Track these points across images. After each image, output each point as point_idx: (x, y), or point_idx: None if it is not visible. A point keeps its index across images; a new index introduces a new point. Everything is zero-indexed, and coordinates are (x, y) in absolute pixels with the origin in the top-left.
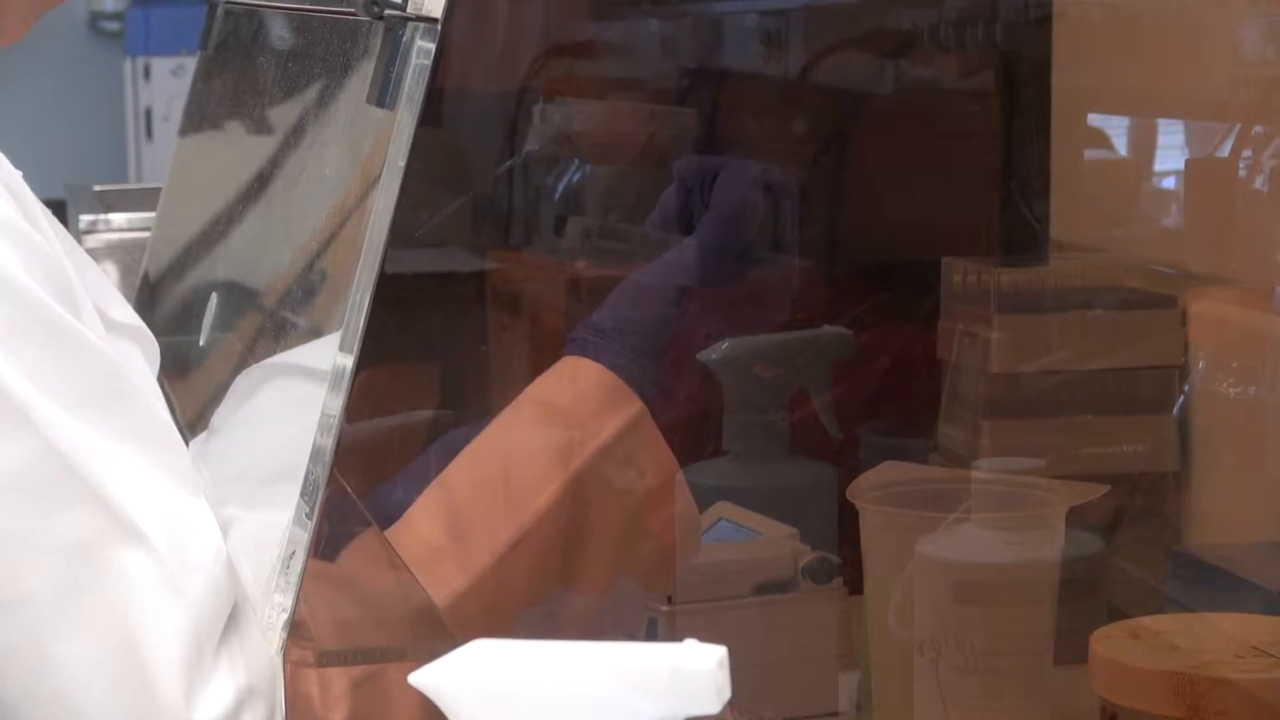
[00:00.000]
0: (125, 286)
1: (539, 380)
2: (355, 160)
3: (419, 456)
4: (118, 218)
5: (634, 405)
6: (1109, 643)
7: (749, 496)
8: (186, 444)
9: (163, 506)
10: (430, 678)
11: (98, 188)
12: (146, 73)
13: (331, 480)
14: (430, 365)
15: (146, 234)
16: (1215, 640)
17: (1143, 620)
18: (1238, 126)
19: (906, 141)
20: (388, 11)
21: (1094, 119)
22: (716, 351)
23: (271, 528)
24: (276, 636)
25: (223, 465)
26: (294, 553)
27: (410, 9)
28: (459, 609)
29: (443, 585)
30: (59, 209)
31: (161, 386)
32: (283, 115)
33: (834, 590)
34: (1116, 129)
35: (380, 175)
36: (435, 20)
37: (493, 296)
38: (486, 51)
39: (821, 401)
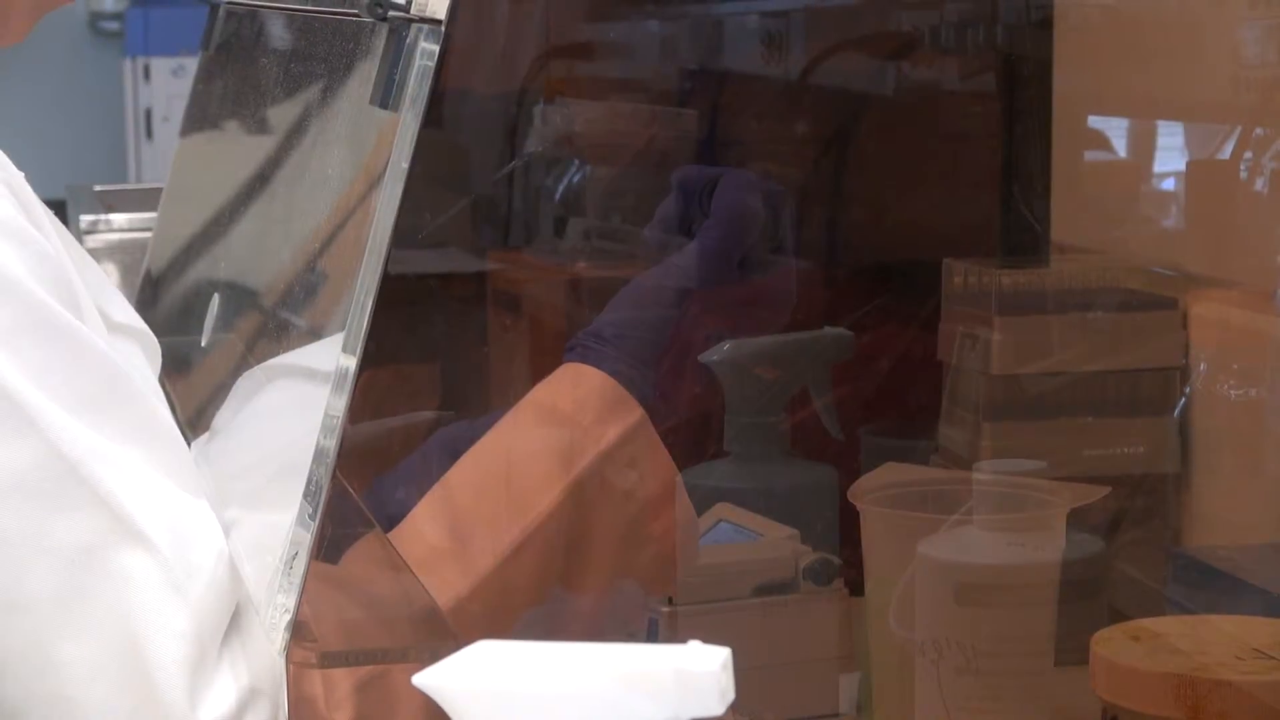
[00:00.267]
0: (126, 287)
1: (540, 385)
2: (357, 161)
3: (419, 452)
4: (118, 218)
5: (635, 412)
6: (1110, 644)
7: (750, 498)
8: (188, 444)
9: (165, 508)
10: (434, 679)
11: (98, 188)
12: (146, 73)
13: (334, 481)
14: (431, 366)
15: (147, 234)
16: (1216, 642)
17: (1143, 622)
18: (1238, 129)
19: (907, 143)
20: (391, 13)
21: (1095, 121)
22: (717, 353)
23: (274, 529)
24: (279, 637)
25: (225, 466)
26: (297, 553)
27: (414, 10)
28: (462, 612)
29: (446, 588)
30: (59, 209)
31: (163, 387)
32: (284, 116)
33: (835, 592)
34: (1117, 131)
35: (383, 176)
36: (439, 22)
37: (493, 297)
38: (487, 52)
39: (822, 403)
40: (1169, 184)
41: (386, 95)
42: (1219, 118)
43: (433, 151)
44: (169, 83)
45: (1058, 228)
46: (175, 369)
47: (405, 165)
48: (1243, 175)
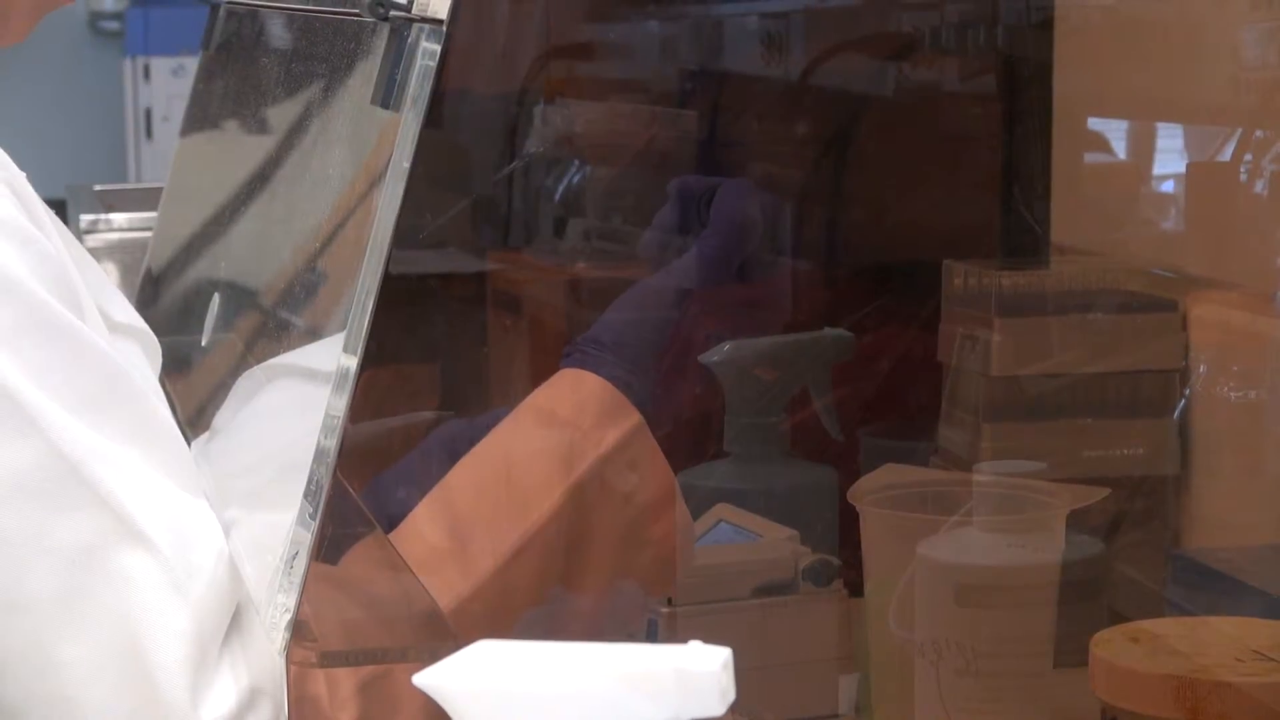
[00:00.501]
0: (126, 286)
1: (539, 390)
2: (358, 161)
3: (417, 450)
4: (118, 217)
5: (633, 417)
6: (1109, 646)
7: (749, 498)
8: (188, 444)
9: (166, 508)
10: (434, 678)
11: (98, 188)
12: (146, 73)
13: (334, 481)
14: (431, 366)
15: (147, 234)
16: (1215, 644)
17: (1143, 623)
18: (1238, 131)
19: (908, 144)
20: (393, 13)
21: (1095, 122)
22: (718, 353)
23: (274, 528)
24: (280, 637)
25: (225, 466)
26: (297, 553)
27: (416, 10)
28: (462, 613)
29: (446, 589)
30: (59, 209)
31: (163, 386)
32: (285, 116)
33: (834, 592)
34: (1117, 132)
35: (384, 176)
36: (441, 22)
37: (493, 297)
38: (488, 52)
39: (822, 404)
40: (1169, 186)
41: (388, 95)
42: (1219, 120)
43: (433, 152)
44: (169, 82)
45: (1058, 229)
46: (175, 369)
47: (406, 165)
48: (1243, 177)
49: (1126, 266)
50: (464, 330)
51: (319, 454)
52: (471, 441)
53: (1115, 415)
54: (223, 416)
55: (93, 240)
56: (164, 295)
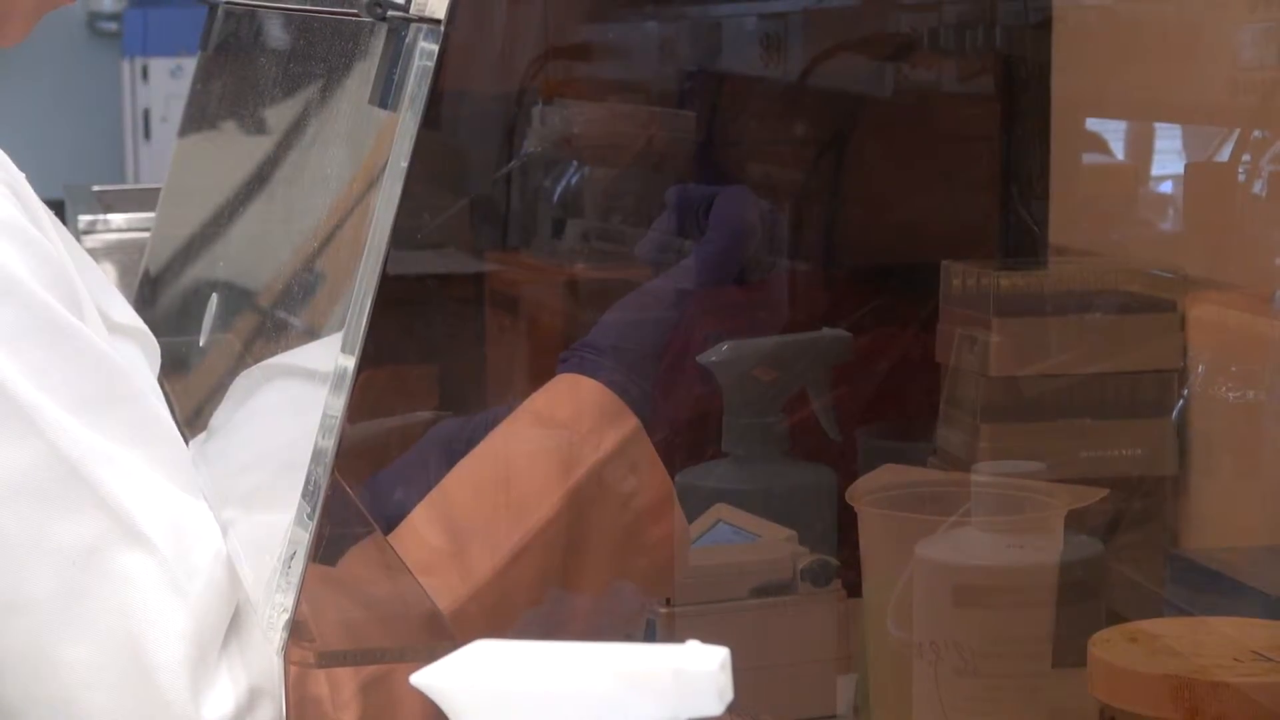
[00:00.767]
0: (124, 287)
1: (537, 394)
2: (356, 161)
3: (414, 449)
4: (116, 218)
5: (630, 421)
6: (1107, 646)
7: (748, 499)
8: (186, 444)
9: (165, 509)
10: (432, 678)
11: (96, 188)
12: (144, 73)
13: (332, 481)
14: (429, 366)
15: (145, 234)
16: (1214, 644)
17: (1141, 624)
18: (1237, 131)
19: (906, 145)
20: (391, 13)
21: (1093, 123)
22: (716, 354)
23: (272, 529)
24: (277, 636)
25: (222, 466)
26: (295, 553)
27: (413, 10)
28: (461, 616)
29: (445, 592)
30: (58, 209)
31: (161, 387)
32: (283, 116)
33: (832, 593)
34: (1115, 133)
35: (381, 176)
36: (438, 21)
37: (491, 298)
38: (486, 53)
39: (821, 404)
40: (1167, 186)
41: (385, 95)
42: (1217, 120)
43: (432, 152)
44: (167, 83)
45: (1056, 230)
46: (174, 369)
47: (404, 165)
48: (1241, 178)
49: (1125, 267)
50: (462, 331)
51: (317, 454)
52: (467, 441)
53: (1114, 416)
54: (220, 416)
55: (91, 241)
56: (162, 296)
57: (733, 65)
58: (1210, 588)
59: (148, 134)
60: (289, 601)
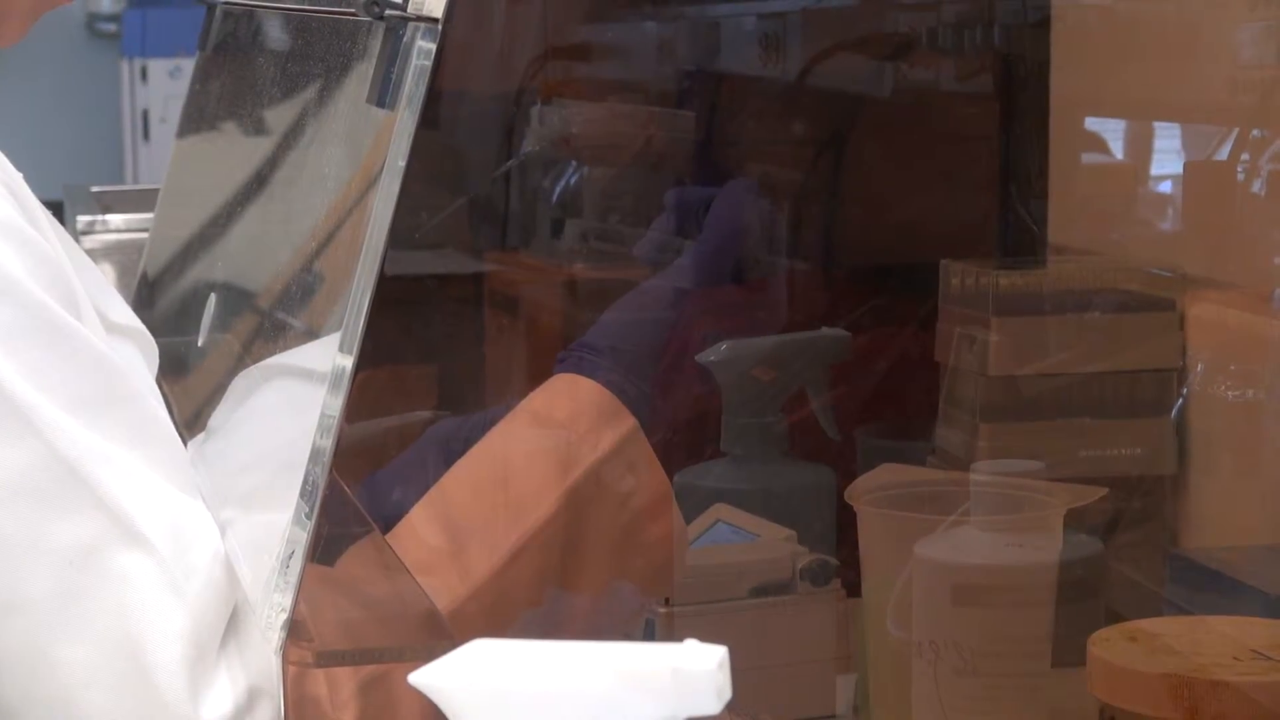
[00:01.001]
0: (123, 287)
1: (534, 394)
2: (354, 161)
3: (412, 448)
4: (115, 219)
5: (628, 421)
6: (1107, 645)
7: (747, 498)
8: (184, 445)
9: (163, 509)
10: (430, 677)
11: (95, 189)
12: (143, 74)
13: (330, 481)
14: (428, 366)
15: (144, 235)
16: (1213, 643)
17: (1141, 623)
18: (1236, 130)
19: (905, 144)
20: (388, 12)
21: (1092, 122)
22: (715, 353)
23: (270, 528)
24: (275, 636)
25: (221, 466)
26: (293, 553)
27: (411, 9)
28: (459, 615)
29: (444, 591)
30: (56, 210)
31: (160, 387)
32: (281, 116)
33: (832, 592)
34: (1114, 132)
35: (379, 176)
36: (436, 20)
37: (490, 298)
38: (485, 53)
39: (820, 404)
40: (1166, 185)
41: (383, 94)
42: (1216, 119)
43: (431, 152)
44: (166, 84)
45: (1055, 229)
46: (172, 369)
47: (402, 164)
48: (1240, 177)
49: (1124, 266)
50: (461, 331)
51: (315, 454)
52: (465, 440)
53: (1113, 415)
54: (219, 417)
55: (90, 241)
56: (161, 296)
57: (731, 65)
58: (1209, 587)
59: (146, 135)
60: (287, 601)
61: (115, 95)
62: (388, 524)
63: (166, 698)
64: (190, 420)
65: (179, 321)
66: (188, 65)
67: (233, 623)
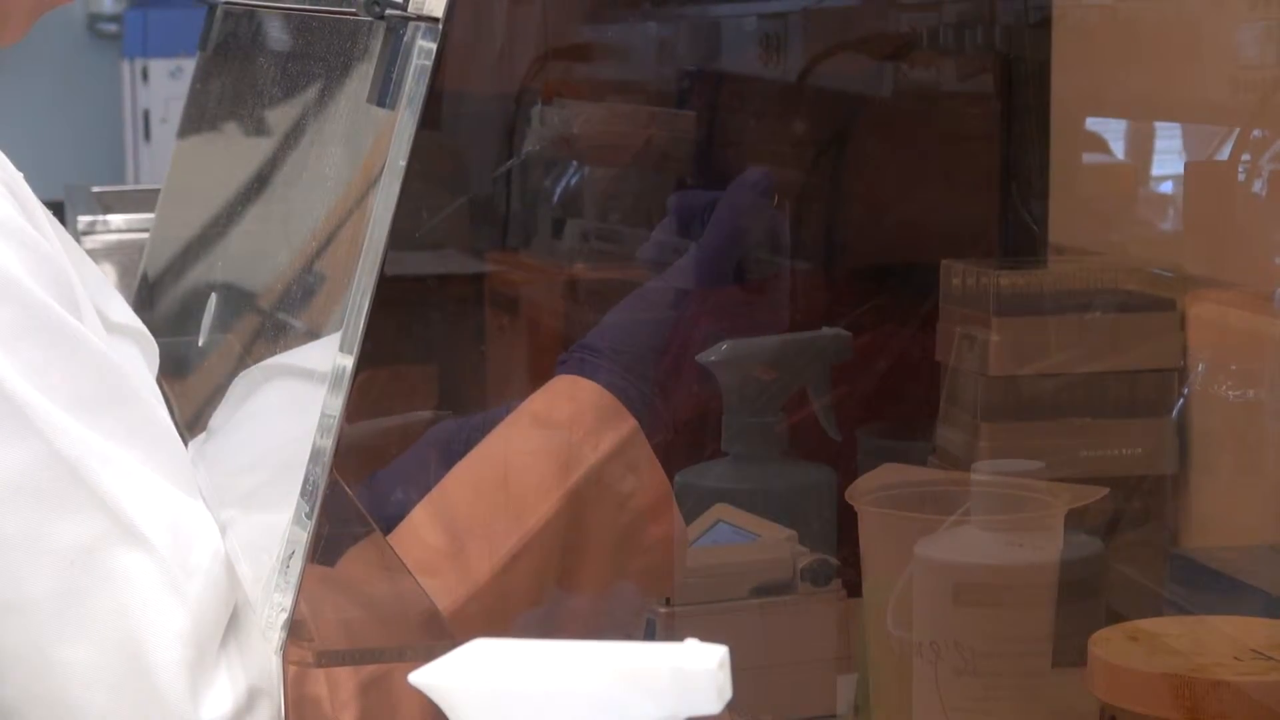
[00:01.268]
0: (123, 287)
1: (535, 396)
2: (355, 161)
3: (412, 449)
4: (116, 219)
5: (628, 422)
6: (1108, 645)
7: (748, 498)
8: (185, 445)
9: (163, 509)
10: (430, 677)
11: (96, 189)
12: (144, 75)
13: (331, 481)
14: (429, 366)
15: (144, 235)
16: (1214, 643)
17: (1141, 623)
18: (1236, 130)
19: (906, 144)
20: (389, 11)
21: (1093, 122)
22: (716, 353)
23: (270, 529)
24: (276, 636)
25: (221, 466)
26: (293, 553)
27: (411, 9)
28: (460, 616)
29: (445, 592)
30: (57, 210)
31: (160, 387)
32: (282, 116)
33: (832, 592)
34: (1115, 132)
35: (380, 176)
36: (436, 20)
37: (491, 298)
38: (485, 53)
39: (820, 403)
40: (1167, 185)
41: (384, 94)
42: (1217, 119)
43: (431, 152)
44: (167, 84)
45: (1056, 229)
46: (173, 370)
47: (402, 163)
48: (1241, 177)
49: (1124, 266)
50: (462, 331)
51: (315, 454)
52: (465, 441)
53: (1113, 415)
54: (219, 417)
55: (90, 242)
56: (161, 296)
57: (732, 65)
58: (1210, 586)
59: (147, 135)
60: (287, 601)
61: (116, 95)
62: (388, 524)
63: (167, 698)
64: (191, 420)
65: (179, 321)
66: (189, 66)
67: (233, 623)
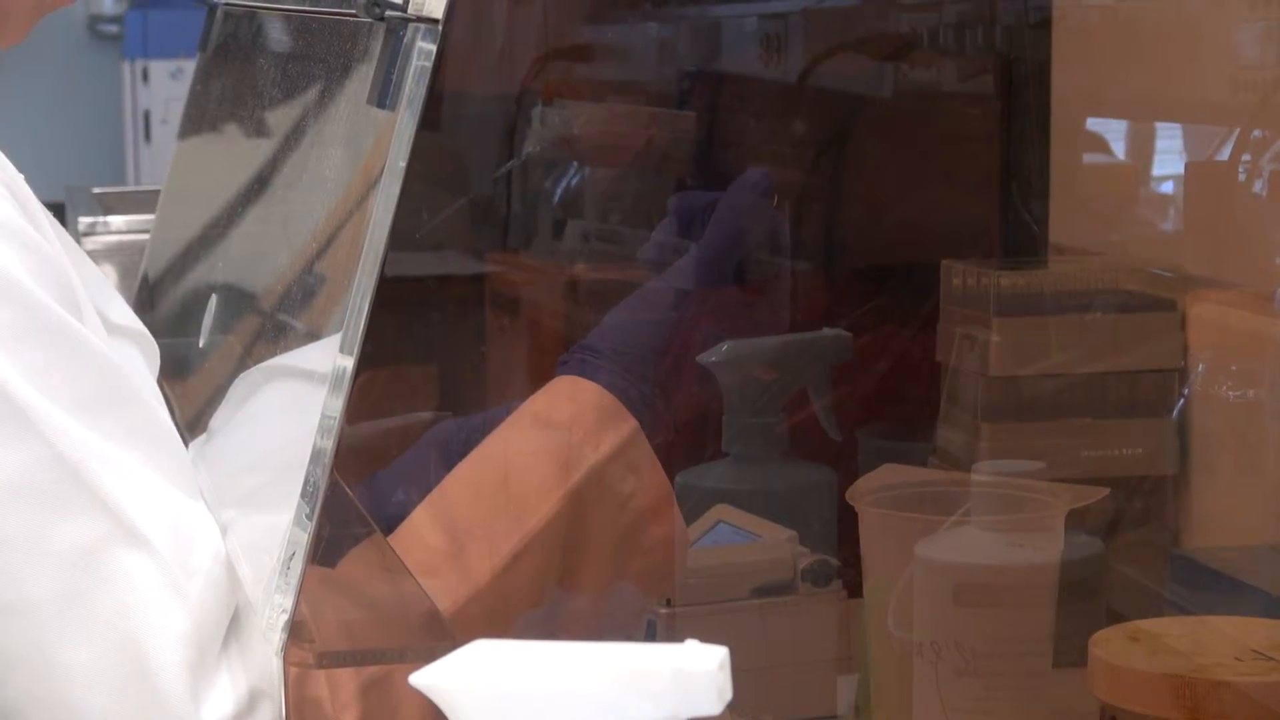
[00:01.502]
0: (124, 289)
1: (536, 396)
2: (355, 162)
3: (412, 450)
4: (116, 220)
5: (629, 423)
6: (1108, 646)
7: (748, 499)
8: (186, 446)
9: (164, 510)
10: (431, 678)
11: (96, 190)
12: (145, 75)
13: (331, 482)
14: (429, 367)
15: (145, 236)
16: (1215, 643)
17: (1142, 623)
18: (1237, 130)
19: (906, 144)
20: (389, 13)
21: (1093, 122)
22: (716, 354)
23: (271, 530)
24: (277, 637)
25: (222, 467)
26: (294, 554)
27: (411, 10)
28: (460, 617)
29: (445, 593)
30: (58, 211)
31: (161, 389)
32: (282, 117)
33: (833, 593)
34: (1116, 132)
35: (380, 177)
36: (436, 21)
37: (491, 299)
38: (486, 54)
39: (821, 404)
40: (1167, 185)
41: (384, 95)
42: (1217, 119)
43: (431, 153)
44: (167, 85)
45: (1056, 229)
46: (174, 371)
47: (402, 164)
48: (1241, 177)
49: (1125, 266)
50: (462, 332)
51: (315, 455)
52: (465, 442)
53: (1114, 415)
54: (220, 418)
55: (91, 243)
56: (162, 297)
57: (732, 66)
58: (1211, 587)
59: (148, 136)
60: (288, 602)
61: (117, 96)
62: (389, 525)
63: (168, 700)
64: (192, 421)
65: (180, 323)
66: (189, 67)
67: (234, 624)
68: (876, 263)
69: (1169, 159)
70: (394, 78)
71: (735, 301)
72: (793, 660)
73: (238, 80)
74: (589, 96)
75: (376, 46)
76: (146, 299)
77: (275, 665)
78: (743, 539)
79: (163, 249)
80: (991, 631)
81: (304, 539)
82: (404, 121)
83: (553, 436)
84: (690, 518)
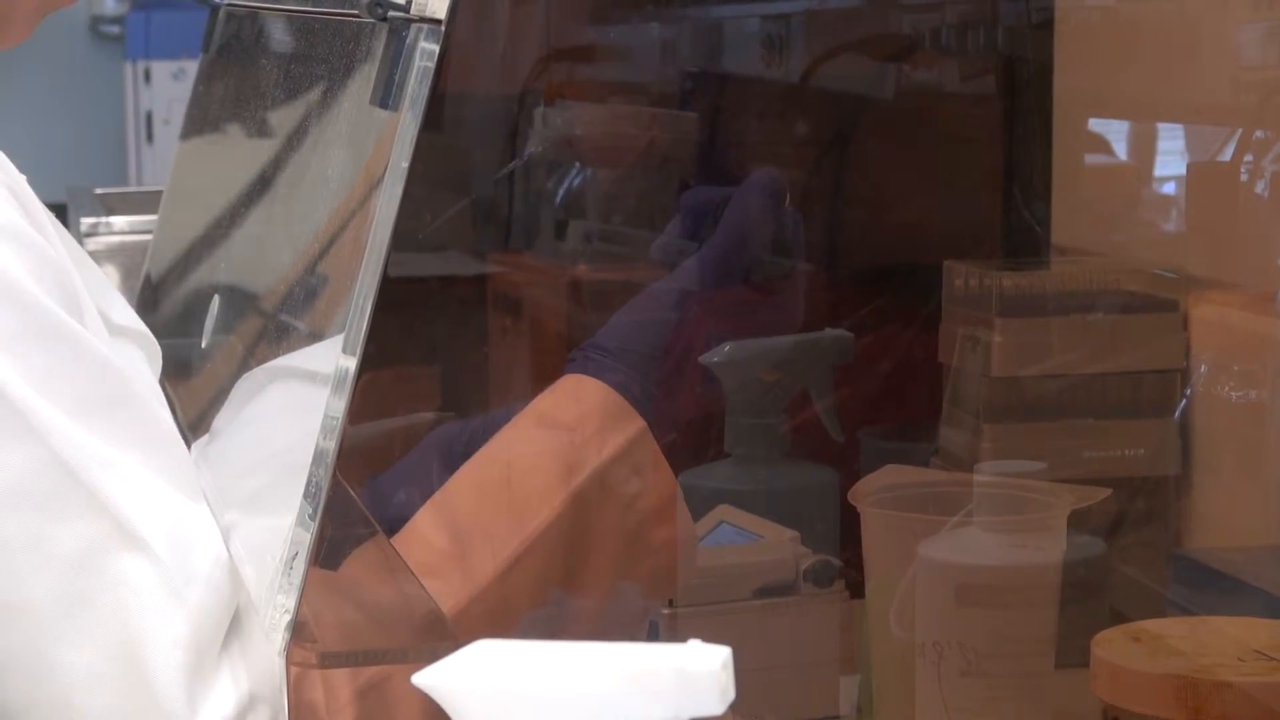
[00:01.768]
0: (126, 289)
1: (542, 396)
2: (358, 163)
3: (415, 451)
4: (119, 220)
5: (636, 423)
6: (1110, 646)
7: (750, 499)
8: (188, 447)
9: (165, 513)
10: (433, 678)
11: (99, 191)
12: (147, 76)
13: (334, 482)
14: (432, 368)
15: (147, 237)
16: (1217, 644)
17: (1144, 624)
18: (1239, 131)
19: (908, 145)
20: (391, 13)
21: (1095, 123)
22: (718, 354)
23: (273, 531)
24: (279, 638)
25: (224, 468)
26: (297, 554)
27: (414, 10)
28: (463, 618)
29: (448, 594)
30: (60, 212)
31: (163, 390)
32: (285, 118)
33: (835, 593)
34: (1118, 133)
35: (383, 177)
36: (439, 22)
37: (494, 300)
38: (488, 55)
39: (823, 404)
40: (1170, 186)
41: (386, 95)
42: (1219, 120)
43: (434, 154)
44: (170, 86)
45: (1058, 230)
46: (176, 372)
47: (405, 165)
48: (1243, 178)
49: (1127, 267)
50: (464, 332)
51: (318, 455)
52: (467, 443)
53: (1116, 416)
54: (222, 419)
55: (93, 243)
56: (164, 298)
57: (735, 66)
58: (1213, 587)
59: (150, 137)
60: (291, 603)
61: (119, 97)
62: (391, 526)
63: (165, 704)
64: (194, 422)
65: (182, 323)
66: (191, 67)
67: (235, 626)
68: (878, 263)
69: (1171, 160)
70: (396, 78)
71: (742, 302)
72: (795, 661)
73: (240, 81)
74: (591, 97)
75: (379, 47)
76: (149, 299)
77: (278, 666)
78: (745, 539)
79: (165, 249)
80: (994, 632)
81: (307, 539)
82: (406, 122)
83: (557, 437)
84: (693, 518)
